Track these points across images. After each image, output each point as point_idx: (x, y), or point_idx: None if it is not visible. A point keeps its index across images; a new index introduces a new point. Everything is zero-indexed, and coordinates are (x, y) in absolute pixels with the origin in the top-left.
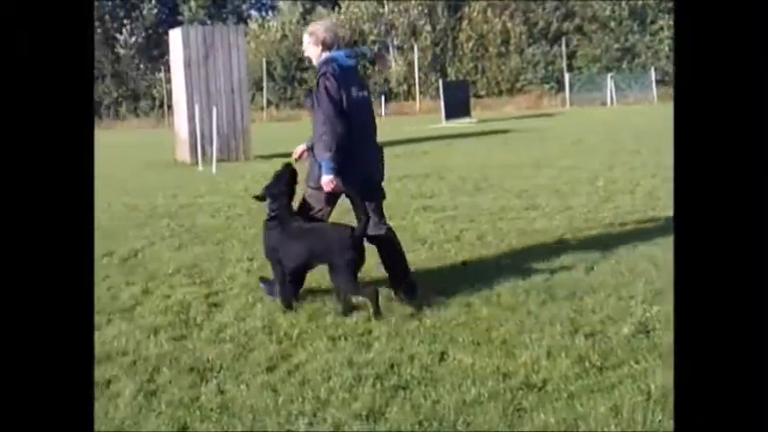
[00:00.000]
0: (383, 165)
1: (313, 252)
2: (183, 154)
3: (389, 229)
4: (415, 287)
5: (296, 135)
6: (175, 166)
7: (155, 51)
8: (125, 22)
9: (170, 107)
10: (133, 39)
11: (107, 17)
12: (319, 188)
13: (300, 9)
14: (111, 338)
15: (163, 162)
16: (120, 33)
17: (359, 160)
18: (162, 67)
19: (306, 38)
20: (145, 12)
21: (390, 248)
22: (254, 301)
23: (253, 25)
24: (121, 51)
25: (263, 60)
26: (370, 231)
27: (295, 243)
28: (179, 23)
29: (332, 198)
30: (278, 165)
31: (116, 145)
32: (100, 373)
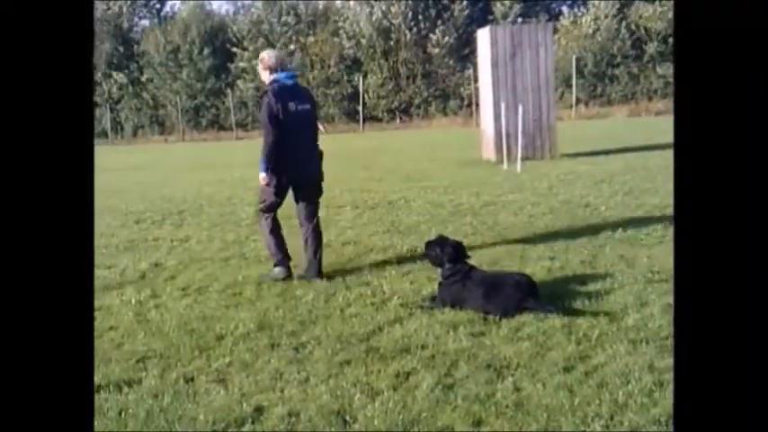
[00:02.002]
0: (321, 165)
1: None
2: (489, 152)
3: (318, 219)
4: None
5: (604, 134)
6: (481, 163)
7: (464, 50)
8: (437, 22)
9: (477, 105)
10: (445, 39)
11: (420, 17)
12: (265, 185)
13: (617, 5)
14: (413, 332)
15: (469, 160)
16: (434, 33)
17: (302, 160)
18: (470, 66)
19: (258, 64)
20: (456, 12)
21: (315, 236)
22: (553, 299)
23: (564, 21)
24: (434, 51)
25: (573, 57)
26: (306, 221)
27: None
28: (489, 22)
29: (280, 191)
30: (584, 163)
31: (425, 143)
32: (400, 364)
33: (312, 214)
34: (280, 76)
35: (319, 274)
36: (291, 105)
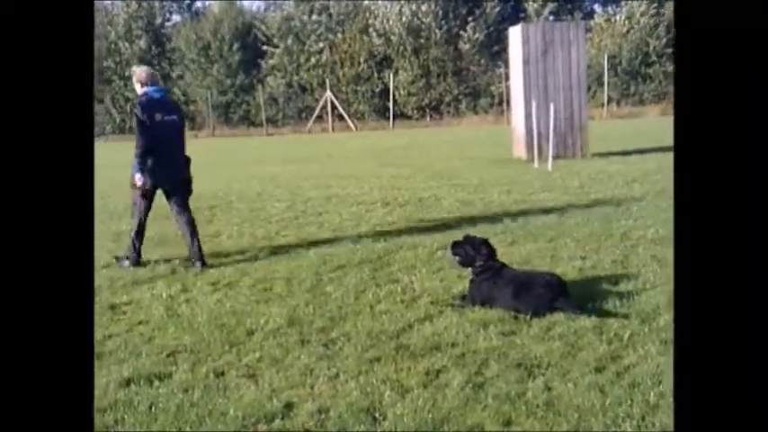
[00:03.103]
0: (189, 169)
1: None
2: (520, 150)
3: (191, 212)
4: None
5: (636, 132)
6: (512, 162)
7: (495, 48)
8: (468, 19)
9: (508, 104)
10: (476, 36)
11: (450, 15)
12: (134, 185)
13: (654, 3)
14: (443, 329)
15: (500, 158)
16: (465, 31)
17: (169, 165)
18: (501, 64)
19: (133, 77)
20: (488, 9)
21: (190, 228)
22: (585, 300)
23: (598, 20)
24: (465, 47)
25: (605, 55)
26: (179, 215)
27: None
28: (521, 20)
29: (147, 194)
30: (616, 162)
31: (456, 141)
32: (430, 362)
33: (183, 209)
34: (149, 89)
35: (201, 259)
36: (158, 116)
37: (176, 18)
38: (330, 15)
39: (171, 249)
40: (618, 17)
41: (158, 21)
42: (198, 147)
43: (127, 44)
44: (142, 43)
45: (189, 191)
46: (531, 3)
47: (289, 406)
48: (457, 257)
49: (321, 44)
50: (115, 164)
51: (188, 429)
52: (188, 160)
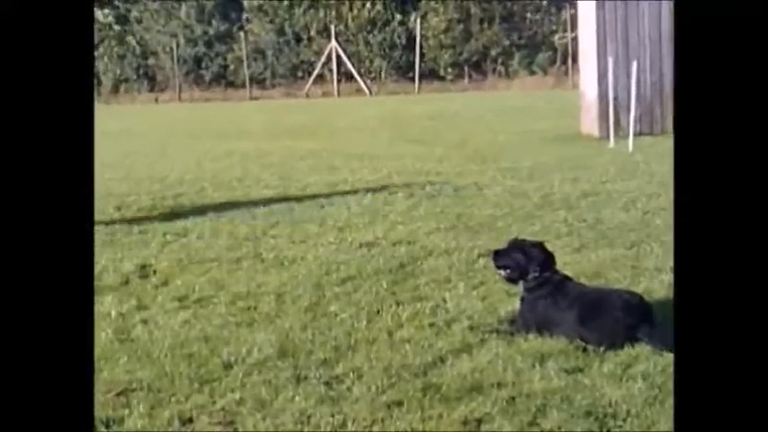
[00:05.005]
0: None
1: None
2: (590, 124)
3: None
4: None
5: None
6: (579, 139)
7: None
8: None
9: (575, 61)
10: None
11: None
12: None
13: None
14: (486, 364)
15: (563, 134)
16: None
17: None
18: (567, 6)
19: None
20: None
21: None
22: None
23: None
24: None
25: None
26: None
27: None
28: None
29: None
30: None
31: (505, 109)
32: (468, 409)
33: None
34: None
35: None
36: None
37: None
38: None
39: (122, 251)
40: None
41: None
42: (159, 114)
43: None
44: None
45: None
46: None
47: None
48: (502, 271)
49: None
50: None
51: None
52: None
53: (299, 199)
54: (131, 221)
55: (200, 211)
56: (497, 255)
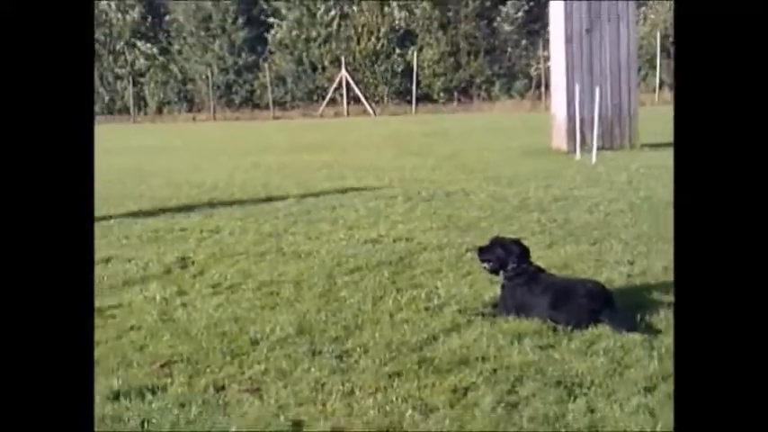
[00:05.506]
0: None
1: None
2: (560, 140)
3: None
4: None
5: None
6: (551, 153)
7: (535, 25)
8: None
9: (547, 87)
10: (516, 13)
11: None
12: None
13: None
14: (472, 341)
15: (537, 149)
16: (504, 5)
17: None
18: (540, 42)
19: None
20: None
21: None
22: (632, 311)
23: None
24: (504, 26)
25: (658, 34)
26: None
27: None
28: None
29: None
30: (669, 155)
31: (487, 129)
32: (457, 378)
33: None
34: None
35: None
36: None
37: None
38: None
39: (164, 246)
40: None
41: None
42: (197, 131)
43: (119, 15)
44: (135, 14)
45: None
46: None
47: (298, 425)
48: (486, 264)
49: (333, 12)
50: (104, 148)
51: None
52: None
53: (314, 202)
54: (173, 220)
55: (230, 212)
56: (481, 250)
